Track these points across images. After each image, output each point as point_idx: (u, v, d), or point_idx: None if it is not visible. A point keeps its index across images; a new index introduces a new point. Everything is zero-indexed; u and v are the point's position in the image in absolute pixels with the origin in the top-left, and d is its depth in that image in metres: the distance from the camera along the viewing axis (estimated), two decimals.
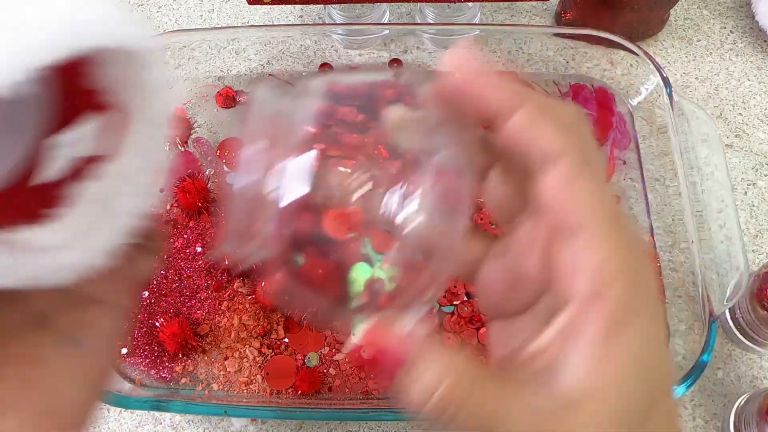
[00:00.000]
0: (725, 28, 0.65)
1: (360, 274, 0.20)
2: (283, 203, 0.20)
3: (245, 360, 0.48)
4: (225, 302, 0.50)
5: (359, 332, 0.20)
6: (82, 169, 0.21)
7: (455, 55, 0.21)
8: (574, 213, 0.19)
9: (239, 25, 0.66)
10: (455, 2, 0.59)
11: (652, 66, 0.55)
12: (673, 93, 0.53)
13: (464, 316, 0.49)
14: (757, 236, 0.55)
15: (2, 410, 0.20)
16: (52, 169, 0.20)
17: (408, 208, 0.20)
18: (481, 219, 0.52)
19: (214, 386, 0.48)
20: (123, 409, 0.49)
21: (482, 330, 0.48)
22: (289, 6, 0.66)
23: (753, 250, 0.54)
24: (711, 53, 0.64)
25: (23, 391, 0.21)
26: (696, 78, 0.62)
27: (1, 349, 0.21)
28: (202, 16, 0.67)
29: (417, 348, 0.20)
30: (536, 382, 0.19)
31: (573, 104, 0.21)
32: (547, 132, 0.20)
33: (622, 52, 0.57)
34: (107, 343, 0.24)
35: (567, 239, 0.20)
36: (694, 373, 0.43)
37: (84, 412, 0.23)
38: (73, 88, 0.20)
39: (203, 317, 0.50)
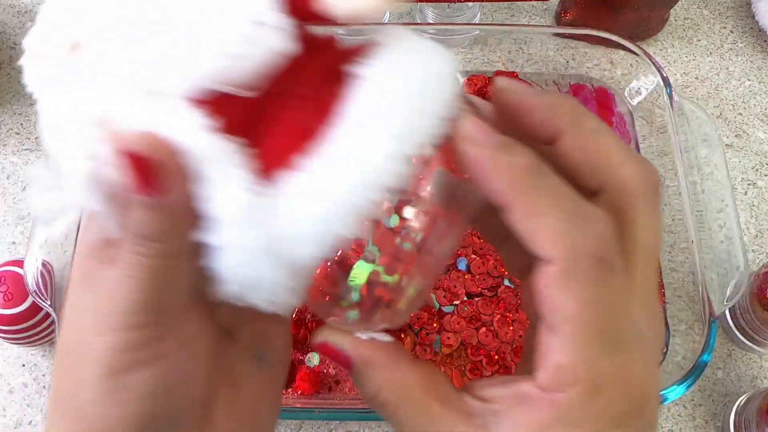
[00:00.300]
0: (725, 28, 0.65)
1: (361, 271, 0.20)
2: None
3: None
4: None
5: (319, 337, 0.22)
6: None
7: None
8: (554, 313, 0.19)
9: None
10: (455, 2, 0.59)
11: (652, 66, 0.55)
12: (673, 93, 0.53)
13: (464, 316, 0.49)
14: (757, 236, 0.55)
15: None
16: None
17: (409, 210, 0.20)
18: None
19: None
20: None
21: (482, 330, 0.49)
22: None
23: (753, 250, 0.54)
24: (711, 53, 0.64)
25: (234, 415, 0.22)
26: (696, 78, 0.62)
27: (214, 371, 0.22)
28: None
29: (363, 358, 0.22)
30: (477, 421, 0.20)
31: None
32: (547, 231, 0.19)
33: (622, 52, 0.57)
34: (285, 356, 0.25)
35: (547, 330, 0.20)
36: (694, 373, 0.43)
37: (274, 424, 0.24)
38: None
39: None
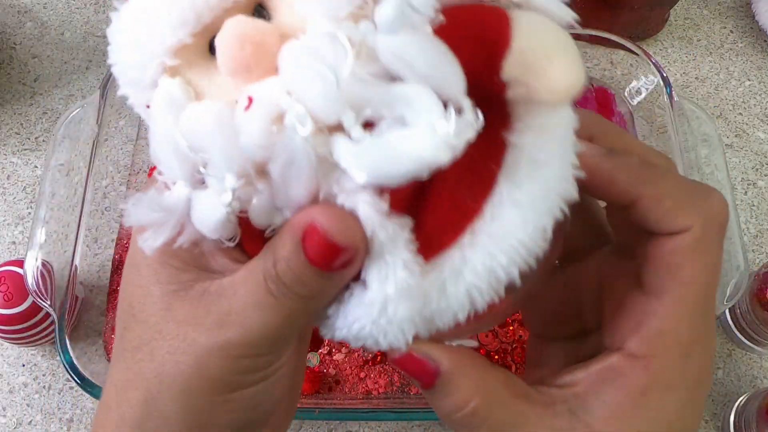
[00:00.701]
0: (725, 28, 0.65)
1: None
2: None
3: None
4: None
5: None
6: None
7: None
8: (672, 278, 0.20)
9: None
10: None
11: (652, 66, 0.55)
12: (673, 93, 0.53)
13: None
14: (757, 236, 0.55)
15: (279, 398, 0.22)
16: None
17: None
18: None
19: None
20: None
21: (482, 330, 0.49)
22: None
23: (753, 250, 0.54)
24: (711, 53, 0.64)
25: (286, 409, 0.23)
26: (696, 78, 0.62)
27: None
28: None
29: (453, 365, 0.20)
30: (561, 408, 0.20)
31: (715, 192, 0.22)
32: (681, 205, 0.20)
33: (622, 52, 0.57)
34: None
35: (649, 296, 0.20)
36: None
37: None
38: None
39: None
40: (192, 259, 0.21)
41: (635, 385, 0.20)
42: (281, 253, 0.19)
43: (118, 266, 0.52)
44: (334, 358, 0.48)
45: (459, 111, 0.16)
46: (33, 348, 0.51)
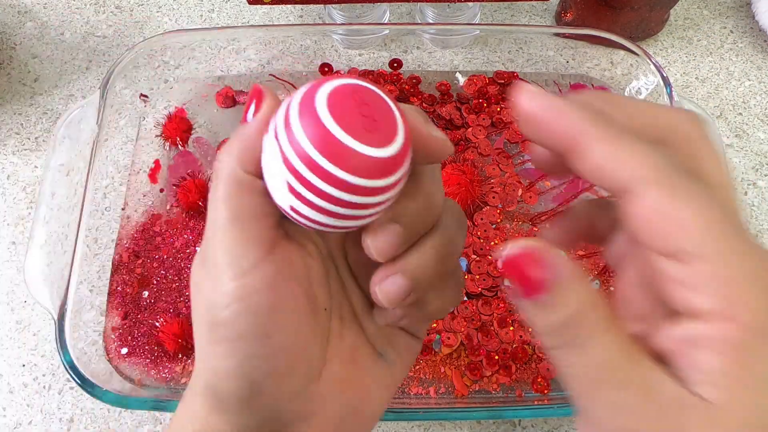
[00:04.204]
0: (725, 28, 0.65)
1: None
2: None
3: None
4: None
5: (516, 246, 0.19)
6: None
7: (526, 96, 0.20)
8: (681, 236, 0.18)
9: (239, 25, 0.66)
10: (455, 2, 0.59)
11: (652, 66, 0.55)
12: (673, 93, 0.53)
13: (464, 316, 0.49)
14: (757, 236, 0.55)
15: (325, 399, 0.23)
16: None
17: None
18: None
19: None
20: (123, 409, 0.49)
21: (482, 330, 0.49)
22: (289, 6, 0.66)
23: None
24: (711, 53, 0.64)
25: (343, 385, 0.24)
26: (696, 78, 0.62)
27: (328, 339, 0.24)
28: (202, 16, 0.67)
29: (569, 269, 0.19)
30: (672, 371, 0.18)
31: (681, 111, 0.21)
32: (629, 158, 0.18)
33: (622, 52, 0.57)
34: (407, 362, 0.27)
35: (680, 264, 0.18)
36: None
37: (378, 416, 0.26)
38: None
39: None
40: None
41: (729, 351, 0.17)
42: None
43: (118, 266, 0.52)
44: None
45: None
46: (33, 348, 0.51)
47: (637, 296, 0.21)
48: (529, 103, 0.20)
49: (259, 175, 0.22)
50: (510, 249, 0.19)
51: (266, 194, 0.22)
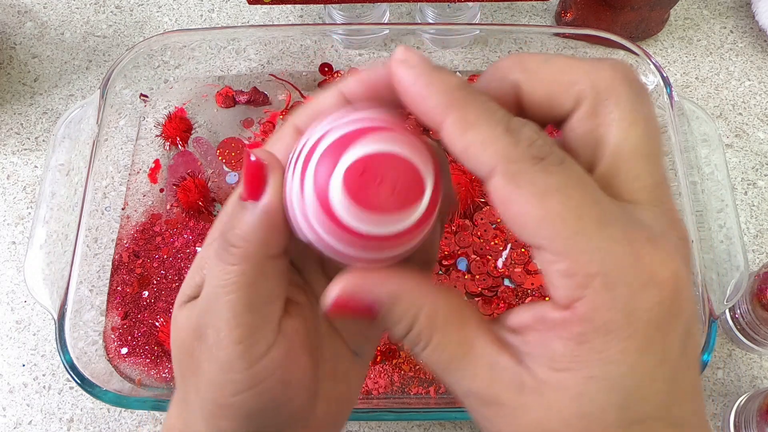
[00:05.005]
0: (725, 28, 0.65)
1: None
2: None
3: None
4: None
5: (333, 292, 0.21)
6: None
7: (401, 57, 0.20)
8: (525, 226, 0.18)
9: (239, 25, 0.66)
10: (455, 2, 0.59)
11: (652, 66, 0.55)
12: (673, 93, 0.53)
13: None
14: (757, 236, 0.55)
15: (317, 392, 0.23)
16: None
17: None
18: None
19: None
20: (123, 409, 0.49)
21: None
22: (289, 6, 0.66)
23: (753, 250, 0.54)
24: (711, 53, 0.64)
25: (332, 397, 0.24)
26: (696, 78, 0.62)
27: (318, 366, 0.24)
28: (202, 16, 0.67)
29: (391, 294, 0.20)
30: (510, 349, 0.19)
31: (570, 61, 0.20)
32: (481, 148, 0.18)
33: (622, 52, 0.57)
34: (374, 349, 0.27)
35: (535, 250, 0.18)
36: None
37: (354, 404, 0.26)
38: None
39: None
40: None
41: (574, 335, 0.18)
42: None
43: (118, 266, 0.52)
44: None
45: None
46: (33, 348, 0.51)
47: None
48: (402, 72, 0.19)
49: (283, 252, 0.22)
50: (330, 295, 0.20)
51: (285, 272, 0.22)
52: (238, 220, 0.21)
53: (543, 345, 0.19)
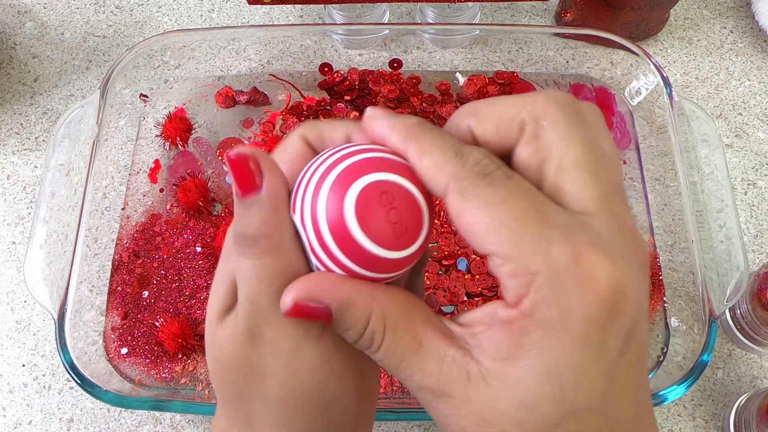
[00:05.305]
0: (725, 28, 0.65)
1: None
2: None
3: None
4: None
5: (288, 297, 0.22)
6: None
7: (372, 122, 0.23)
8: (476, 234, 0.20)
9: (239, 25, 0.66)
10: (455, 2, 0.59)
11: (652, 66, 0.55)
12: (673, 93, 0.53)
13: None
14: (757, 236, 0.55)
15: (360, 419, 0.25)
16: None
17: None
18: None
19: None
20: (123, 409, 0.49)
21: None
22: (289, 6, 0.66)
23: (753, 250, 0.54)
24: (711, 53, 0.64)
25: (369, 402, 0.25)
26: (696, 78, 0.62)
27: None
28: (202, 16, 0.67)
29: (342, 300, 0.21)
30: (458, 343, 0.21)
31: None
32: (434, 164, 0.21)
33: (622, 52, 0.57)
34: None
35: (489, 258, 0.20)
36: (694, 373, 0.43)
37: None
38: None
39: (203, 317, 0.50)
40: None
41: (517, 328, 0.19)
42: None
43: (118, 266, 0.52)
44: None
45: None
46: (33, 348, 0.51)
47: None
48: (371, 125, 0.23)
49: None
50: (286, 298, 0.21)
51: None
52: (250, 216, 0.21)
53: (489, 337, 0.20)
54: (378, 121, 0.22)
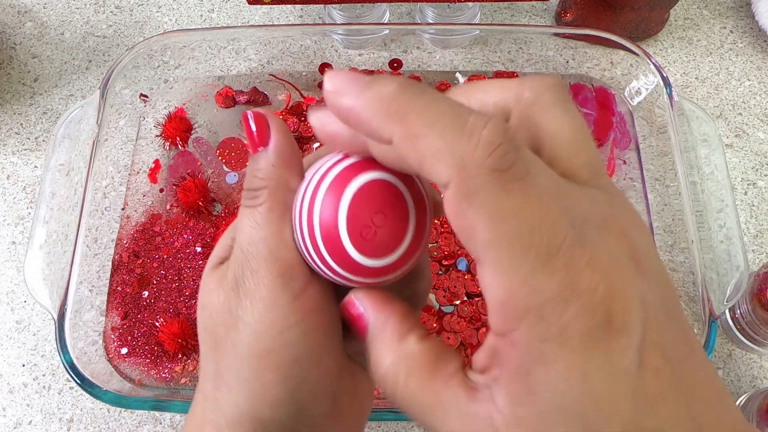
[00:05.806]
0: (725, 28, 0.65)
1: None
2: None
3: None
4: None
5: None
6: None
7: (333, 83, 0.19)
8: (472, 241, 0.17)
9: (239, 25, 0.66)
10: (455, 2, 0.59)
11: (652, 66, 0.55)
12: (673, 93, 0.53)
13: (464, 316, 0.49)
14: (757, 236, 0.55)
15: (341, 413, 0.24)
16: None
17: None
18: None
19: None
20: (123, 409, 0.49)
21: (482, 330, 0.48)
22: (289, 6, 0.66)
23: (753, 250, 0.54)
24: (711, 53, 0.64)
25: (354, 399, 0.25)
26: (696, 78, 0.62)
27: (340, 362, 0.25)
28: (202, 16, 0.67)
29: (375, 321, 0.21)
30: (484, 394, 0.19)
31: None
32: (432, 151, 0.17)
33: (622, 52, 0.57)
34: None
35: (479, 267, 0.17)
36: None
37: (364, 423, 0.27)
38: None
39: None
40: None
41: (511, 367, 0.17)
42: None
43: (118, 266, 0.52)
44: None
45: None
46: (33, 348, 0.51)
47: None
48: (336, 105, 0.19)
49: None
50: (348, 299, 0.22)
51: None
52: (256, 167, 0.22)
53: (502, 382, 0.18)
54: (345, 97, 0.18)
